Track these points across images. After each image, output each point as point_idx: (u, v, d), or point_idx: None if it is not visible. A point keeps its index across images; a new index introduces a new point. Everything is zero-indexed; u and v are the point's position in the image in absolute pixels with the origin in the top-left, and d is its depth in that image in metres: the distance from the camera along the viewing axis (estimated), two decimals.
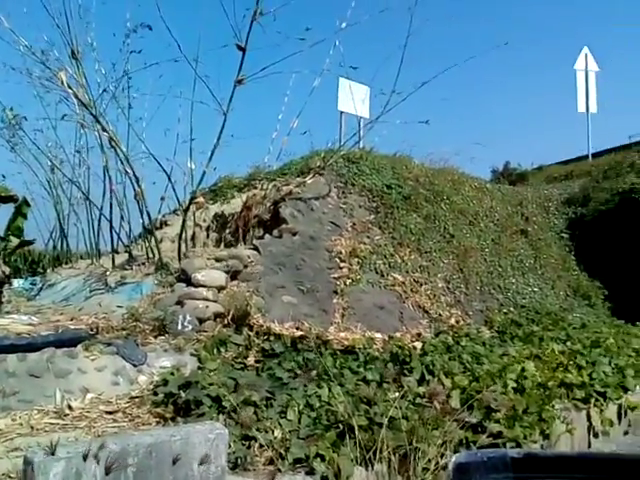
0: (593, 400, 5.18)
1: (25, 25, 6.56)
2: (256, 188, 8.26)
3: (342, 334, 5.65)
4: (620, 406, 5.52)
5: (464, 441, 3.88)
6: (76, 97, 6.07)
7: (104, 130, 6.28)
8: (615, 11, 36.49)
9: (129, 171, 6.48)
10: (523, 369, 5.10)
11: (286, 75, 6.87)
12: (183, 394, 3.94)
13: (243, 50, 5.88)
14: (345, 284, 6.54)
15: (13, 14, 6.37)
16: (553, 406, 4.73)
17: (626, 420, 5.63)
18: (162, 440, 2.63)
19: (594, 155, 13.62)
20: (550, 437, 4.61)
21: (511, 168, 15.40)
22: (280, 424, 3.64)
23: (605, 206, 9.97)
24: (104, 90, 6.69)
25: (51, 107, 7.74)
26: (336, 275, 6.61)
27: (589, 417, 5.19)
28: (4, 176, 7.78)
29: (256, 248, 6.46)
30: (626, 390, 5.62)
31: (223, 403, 3.73)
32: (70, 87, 6.00)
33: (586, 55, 13.99)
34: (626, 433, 5.66)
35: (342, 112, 10.53)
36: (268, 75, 6.12)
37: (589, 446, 5.21)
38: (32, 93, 7.52)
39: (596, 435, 5.28)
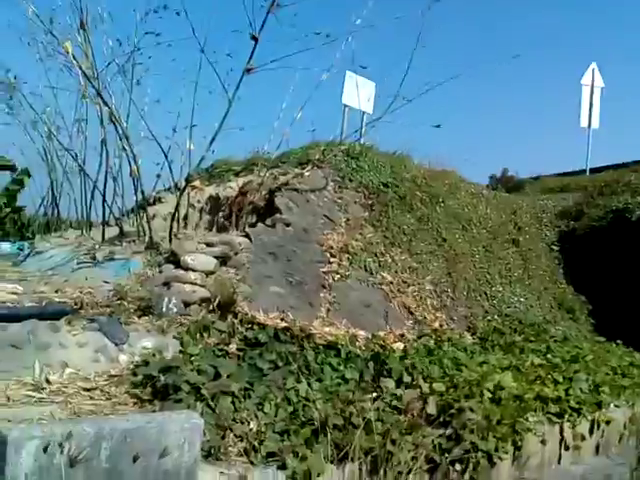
0: (567, 415, 5.26)
1: None
2: (253, 174, 8.23)
3: (326, 329, 5.66)
4: (593, 421, 5.61)
5: (437, 448, 3.93)
6: (80, 68, 6.01)
7: (105, 104, 6.22)
8: (623, 30, 36.49)
9: (127, 148, 6.43)
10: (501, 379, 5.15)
11: (295, 69, 6.81)
12: (162, 378, 3.94)
13: (256, 40, 5.82)
14: (334, 279, 6.55)
15: None
16: (527, 419, 4.80)
17: (598, 433, 5.73)
18: (138, 426, 2.63)
19: (592, 170, 13.67)
20: (522, 449, 4.69)
21: (509, 176, 15.46)
22: (257, 416, 3.66)
23: (598, 223, 10.02)
24: (109, 63, 6.63)
25: (53, 72, 7.67)
26: (325, 269, 6.62)
27: (562, 431, 5.27)
28: None
29: (248, 236, 6.45)
30: (600, 407, 5.70)
31: (202, 391, 3.74)
32: (75, 58, 5.94)
33: (593, 70, 14.01)
34: (597, 448, 5.77)
35: (346, 106, 10.49)
36: (277, 69, 6.07)
37: (559, 459, 5.31)
38: (34, 57, 7.44)
39: (567, 448, 5.37)
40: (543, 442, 4.93)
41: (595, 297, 9.48)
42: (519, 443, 4.62)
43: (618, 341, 8.00)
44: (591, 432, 5.61)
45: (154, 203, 8.67)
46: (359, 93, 9.28)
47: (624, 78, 34.71)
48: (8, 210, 6.91)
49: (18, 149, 9.34)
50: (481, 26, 37.44)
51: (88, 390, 4.02)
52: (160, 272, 5.86)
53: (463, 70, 7.80)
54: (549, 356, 6.52)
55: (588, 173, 13.59)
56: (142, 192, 7.13)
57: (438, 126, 7.57)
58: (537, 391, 5.21)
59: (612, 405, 5.95)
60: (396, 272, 7.27)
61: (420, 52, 7.27)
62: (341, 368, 4.73)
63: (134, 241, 7.05)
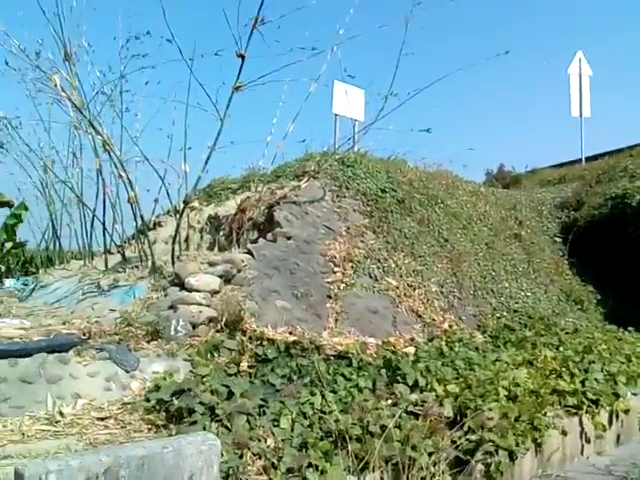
0: (585, 407, 5.20)
1: (19, 27, 6.50)
2: (250, 191, 8.24)
3: (335, 339, 5.64)
4: (611, 412, 5.56)
5: (458, 450, 3.88)
6: (69, 100, 6.04)
7: (98, 133, 6.24)
8: (610, 18, 36.69)
9: (123, 175, 6.44)
10: (515, 376, 5.11)
11: (283, 83, 6.84)
12: (175, 401, 3.92)
13: (242, 57, 5.87)
14: (339, 288, 6.53)
15: (6, 15, 6.33)
16: (545, 414, 4.75)
17: (617, 424, 5.67)
18: (154, 452, 2.61)
19: (587, 159, 13.68)
20: (542, 445, 4.64)
21: (505, 171, 15.47)
22: (273, 433, 3.63)
23: (598, 210, 10.01)
24: (97, 92, 6.67)
25: (43, 107, 7.73)
26: (330, 279, 6.60)
27: (581, 423, 5.21)
28: None
29: (250, 252, 6.44)
30: (618, 397, 5.65)
31: (216, 411, 3.71)
32: (63, 90, 5.97)
33: (580, 59, 14.06)
34: (618, 438, 5.71)
35: (337, 115, 10.54)
36: (266, 83, 6.10)
37: (582, 452, 5.25)
38: (24, 94, 7.49)
39: (588, 440, 5.31)
40: (564, 433, 4.87)
41: (602, 286, 9.45)
42: (539, 439, 4.57)
43: (629, 328, 7.95)
44: (610, 422, 5.56)
45: (154, 227, 8.68)
46: (349, 101, 9.32)
47: (612, 65, 34.80)
48: (9, 246, 6.94)
49: (14, 184, 9.37)
50: (465, 27, 37.55)
51: (102, 419, 3.99)
52: (165, 295, 5.85)
53: (449, 71, 7.68)
54: (561, 349, 6.48)
55: (584, 162, 13.59)
56: (141, 217, 7.14)
57: (428, 130, 7.55)
58: (553, 385, 5.17)
59: (629, 394, 5.90)
60: (401, 276, 7.25)
61: (407, 56, 7.29)
62: (354, 377, 4.70)
63: (137, 267, 7.05)
